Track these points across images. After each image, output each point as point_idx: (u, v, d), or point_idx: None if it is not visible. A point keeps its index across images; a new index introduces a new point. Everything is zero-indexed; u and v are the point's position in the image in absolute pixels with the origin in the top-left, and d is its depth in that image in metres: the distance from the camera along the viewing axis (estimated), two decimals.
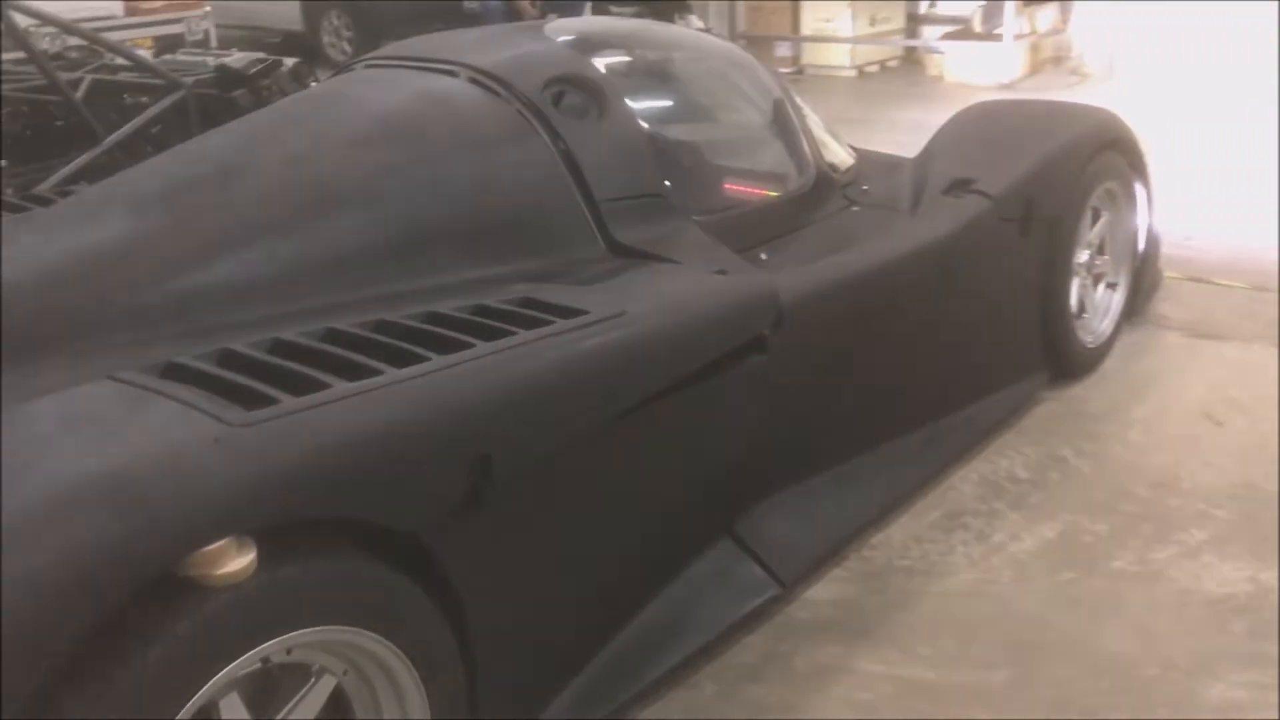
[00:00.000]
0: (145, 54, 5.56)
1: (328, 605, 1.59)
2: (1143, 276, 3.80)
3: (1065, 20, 9.38)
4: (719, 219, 2.80)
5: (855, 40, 9.33)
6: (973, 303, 3.07)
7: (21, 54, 5.46)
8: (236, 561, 1.47)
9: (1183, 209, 5.15)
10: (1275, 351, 3.70)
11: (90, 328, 1.97)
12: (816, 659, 2.35)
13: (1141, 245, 3.74)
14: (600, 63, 2.88)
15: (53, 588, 1.34)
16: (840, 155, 3.39)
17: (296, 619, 1.55)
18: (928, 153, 3.39)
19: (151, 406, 1.61)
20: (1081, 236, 3.42)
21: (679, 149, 2.99)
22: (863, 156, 3.52)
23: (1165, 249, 4.31)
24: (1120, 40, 8.46)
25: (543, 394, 1.89)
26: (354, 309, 2.06)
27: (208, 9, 8.32)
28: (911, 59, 9.71)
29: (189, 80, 4.73)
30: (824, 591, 2.57)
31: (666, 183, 2.72)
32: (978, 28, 8.92)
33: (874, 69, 9.59)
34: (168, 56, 5.47)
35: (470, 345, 1.88)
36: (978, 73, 8.64)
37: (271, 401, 1.61)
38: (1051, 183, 3.20)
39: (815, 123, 3.34)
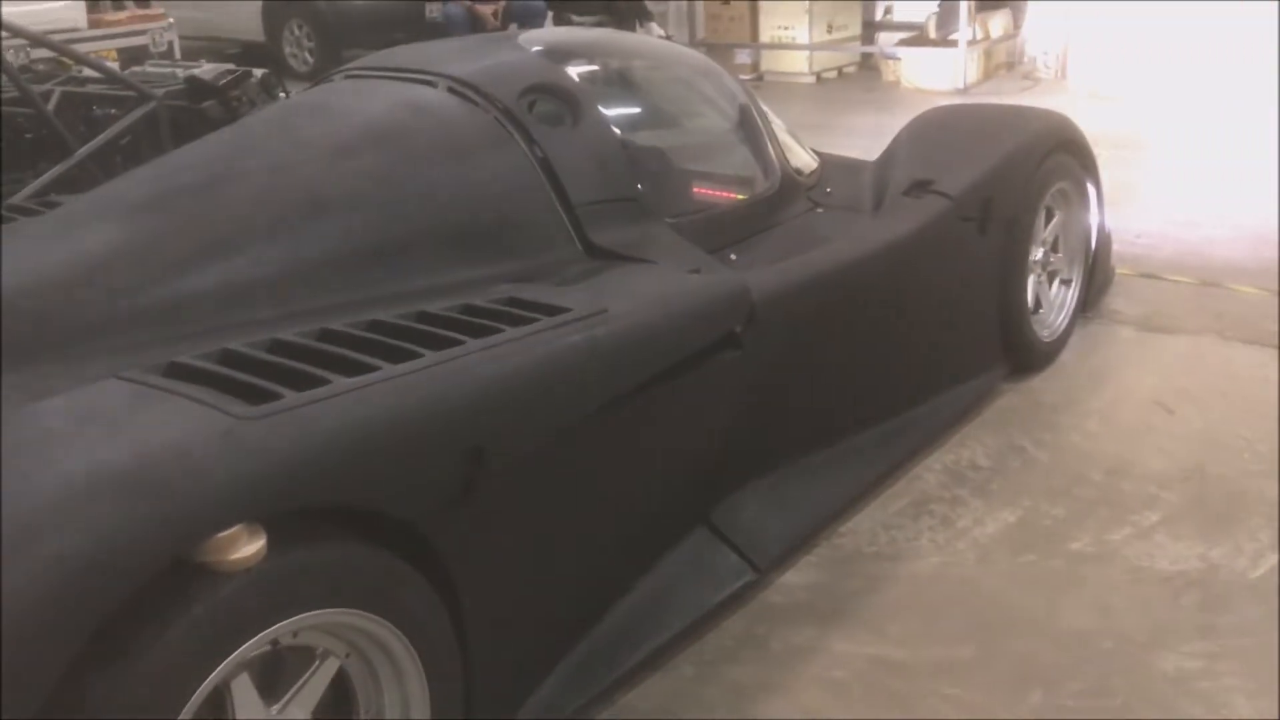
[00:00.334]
0: (113, 66, 5.58)
1: (332, 589, 1.67)
2: (1095, 273, 3.94)
3: (1018, 25, 9.60)
4: (690, 221, 2.90)
5: (813, 47, 9.49)
6: (934, 299, 3.20)
7: None
8: (248, 547, 1.54)
9: (1134, 206, 5.33)
10: (1222, 343, 3.86)
11: (90, 331, 2.04)
12: (791, 640, 2.45)
13: (1093, 243, 3.88)
14: (574, 72, 2.98)
15: (76, 573, 1.41)
16: (804, 159, 3.51)
17: (304, 602, 1.63)
18: (888, 156, 3.52)
19: (160, 402, 1.68)
20: (1036, 235, 3.56)
21: (651, 154, 3.09)
22: (826, 160, 3.64)
23: (1117, 246, 4.48)
24: (1072, 44, 8.67)
25: (531, 388, 1.98)
26: (345, 310, 2.14)
27: (171, 21, 8.33)
28: (868, 65, 9.89)
29: (159, 92, 4.77)
30: (797, 577, 2.67)
31: (640, 186, 2.82)
32: (932, 34, 9.10)
33: (832, 75, 9.76)
34: (136, 68, 5.49)
35: (460, 342, 1.96)
36: (933, 78, 8.82)
37: (275, 397, 1.69)
38: (1007, 183, 3.33)
39: (780, 128, 3.45)
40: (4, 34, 4.99)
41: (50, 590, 1.40)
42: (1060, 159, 3.57)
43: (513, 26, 8.60)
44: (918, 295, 3.11)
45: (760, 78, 9.71)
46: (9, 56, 5.32)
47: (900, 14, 10.12)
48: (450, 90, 2.73)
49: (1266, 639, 2.40)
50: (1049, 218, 3.67)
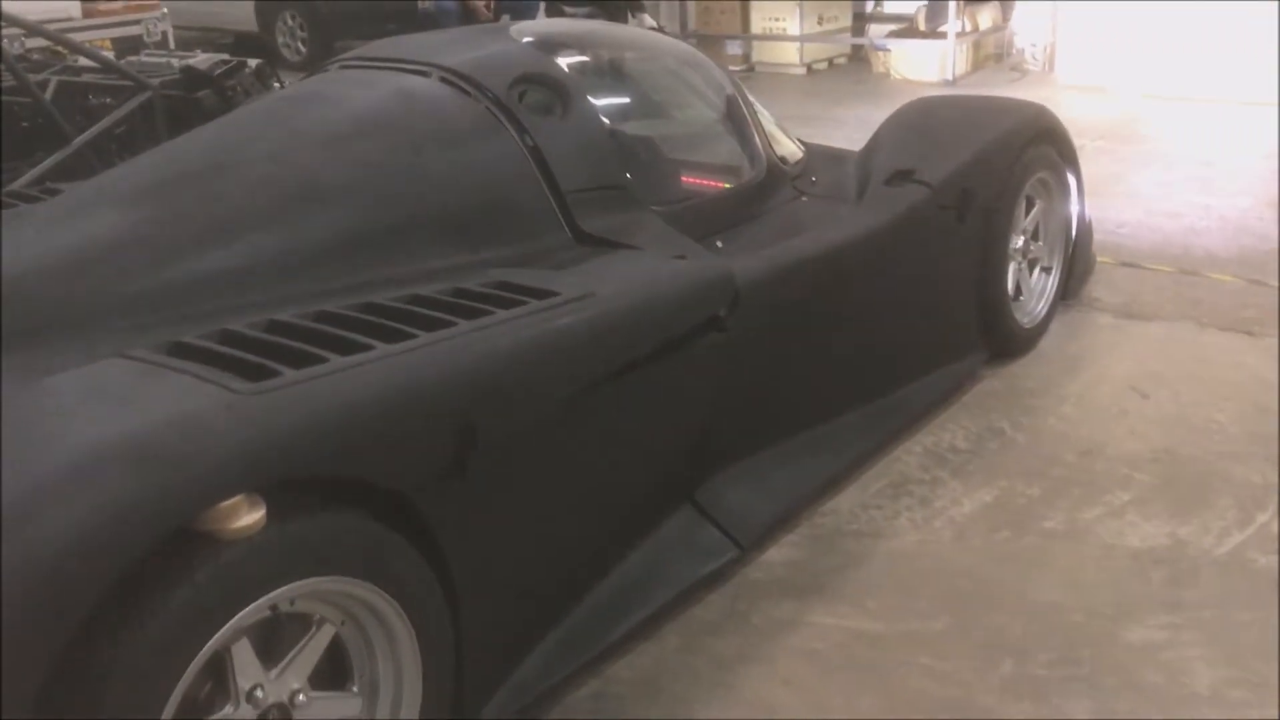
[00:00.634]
0: (108, 55, 5.63)
1: (328, 557, 1.74)
2: (1075, 261, 4.02)
3: (1006, 18, 9.67)
4: (677, 209, 2.98)
5: (803, 39, 9.56)
6: (915, 286, 3.28)
7: None
8: (248, 516, 1.62)
9: (1118, 196, 5.42)
10: (1198, 329, 3.95)
11: (95, 313, 2.11)
12: (772, 614, 2.54)
13: (1074, 232, 3.96)
14: (564, 62, 3.05)
15: (86, 539, 1.48)
16: (790, 148, 3.58)
17: (301, 569, 1.71)
18: (872, 146, 3.59)
19: (164, 379, 1.76)
20: (1016, 224, 3.64)
21: (639, 143, 3.17)
22: (811, 150, 3.72)
23: (1099, 236, 4.57)
24: (1060, 36, 8.74)
25: (520, 367, 2.06)
26: (342, 293, 2.21)
27: (164, 10, 8.36)
28: (858, 57, 9.96)
29: (155, 81, 4.83)
30: (778, 554, 2.75)
31: (628, 175, 2.90)
32: (922, 26, 9.18)
33: (822, 66, 9.83)
34: (131, 58, 5.55)
35: (452, 324, 2.04)
36: (922, 70, 8.90)
37: (274, 374, 1.76)
38: (987, 173, 3.41)
39: (766, 118, 3.53)
40: (1, 24, 5.05)
41: (60, 555, 1.46)
42: (1040, 149, 3.65)
43: (505, 18, 8.65)
44: (898, 282, 3.19)
45: (751, 69, 9.78)
46: (5, 46, 5.37)
47: (890, 6, 10.19)
48: (443, 80, 2.80)
49: (1229, 612, 2.49)
50: (1029, 207, 3.75)
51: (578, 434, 2.24)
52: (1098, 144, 6.62)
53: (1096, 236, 4.53)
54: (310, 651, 1.82)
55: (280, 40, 10.98)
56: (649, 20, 8.74)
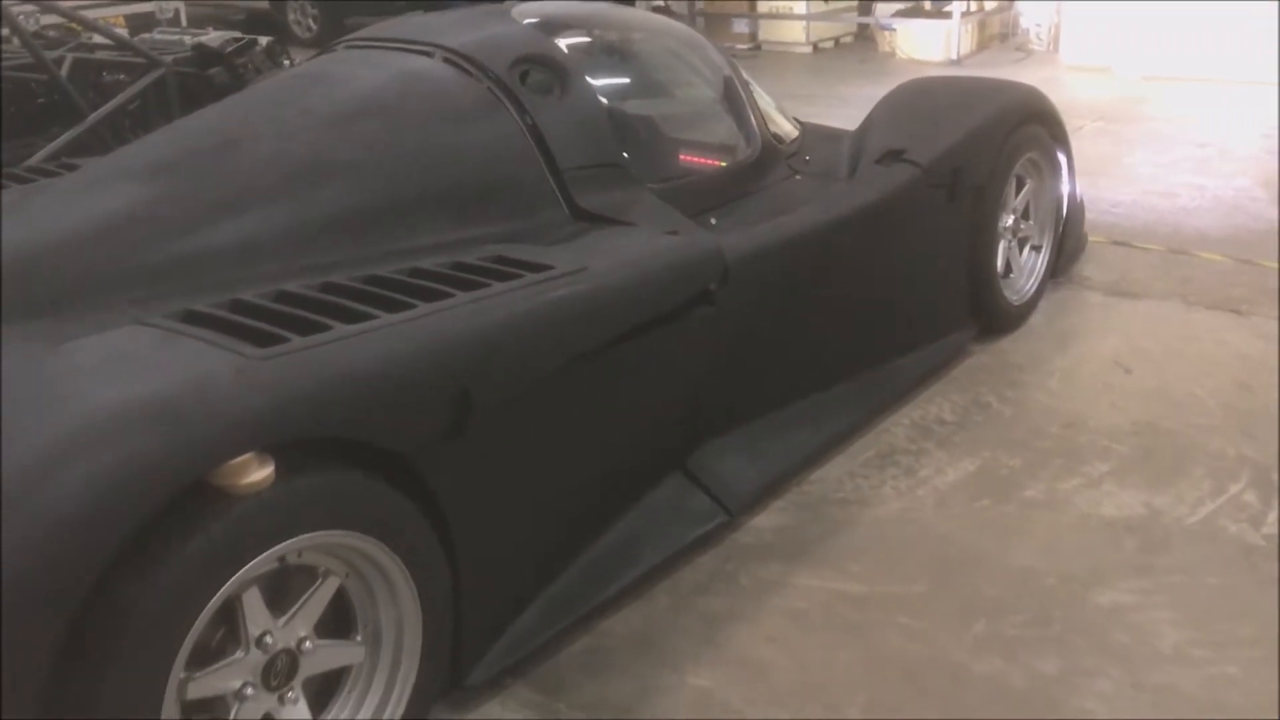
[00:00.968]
0: (122, 33, 5.73)
1: (333, 513, 1.86)
2: (1066, 240, 4.11)
3: None
4: (672, 186, 3.07)
5: (810, 18, 9.61)
6: (904, 262, 3.37)
7: None
8: (258, 473, 1.73)
9: (1113, 177, 5.50)
10: (1185, 307, 4.04)
11: (111, 284, 2.22)
12: (759, 576, 2.65)
13: (1064, 211, 4.04)
14: (563, 43, 3.14)
15: (107, 490, 1.59)
16: (785, 127, 3.67)
17: (308, 523, 1.82)
18: (866, 125, 3.68)
19: (179, 344, 1.87)
20: (1006, 203, 3.73)
21: (636, 122, 3.26)
22: (807, 129, 3.81)
23: (1092, 215, 4.66)
24: (1065, 16, 8.78)
25: (514, 337, 2.16)
26: (346, 266, 2.32)
27: None
28: (865, 35, 10.01)
29: (168, 59, 4.94)
30: (766, 520, 2.86)
31: (624, 153, 2.99)
32: (928, 5, 9.22)
33: (829, 45, 9.88)
34: (145, 35, 5.65)
35: (451, 295, 2.15)
36: (927, 49, 8.95)
37: (282, 340, 1.87)
38: (976, 153, 3.50)
39: (762, 98, 3.62)
40: (16, 0, 5.15)
41: (84, 505, 1.58)
42: (1030, 130, 3.73)
43: None
44: (887, 258, 3.28)
45: (758, 47, 9.84)
46: (21, 23, 5.47)
47: None
48: (445, 60, 2.89)
49: (1197, 577, 2.60)
50: (1020, 186, 3.83)
51: (571, 402, 2.34)
52: (1098, 124, 6.69)
53: (1090, 216, 4.62)
54: (316, 601, 1.93)
55: (291, 17, 11.07)
56: None
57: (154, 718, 1.68)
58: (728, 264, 2.68)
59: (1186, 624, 2.44)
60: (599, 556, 2.50)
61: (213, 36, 5.22)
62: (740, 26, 9.89)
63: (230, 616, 1.82)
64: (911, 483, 3.02)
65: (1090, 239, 4.54)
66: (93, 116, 4.67)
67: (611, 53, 3.45)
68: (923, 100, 3.75)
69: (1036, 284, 3.97)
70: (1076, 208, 4.17)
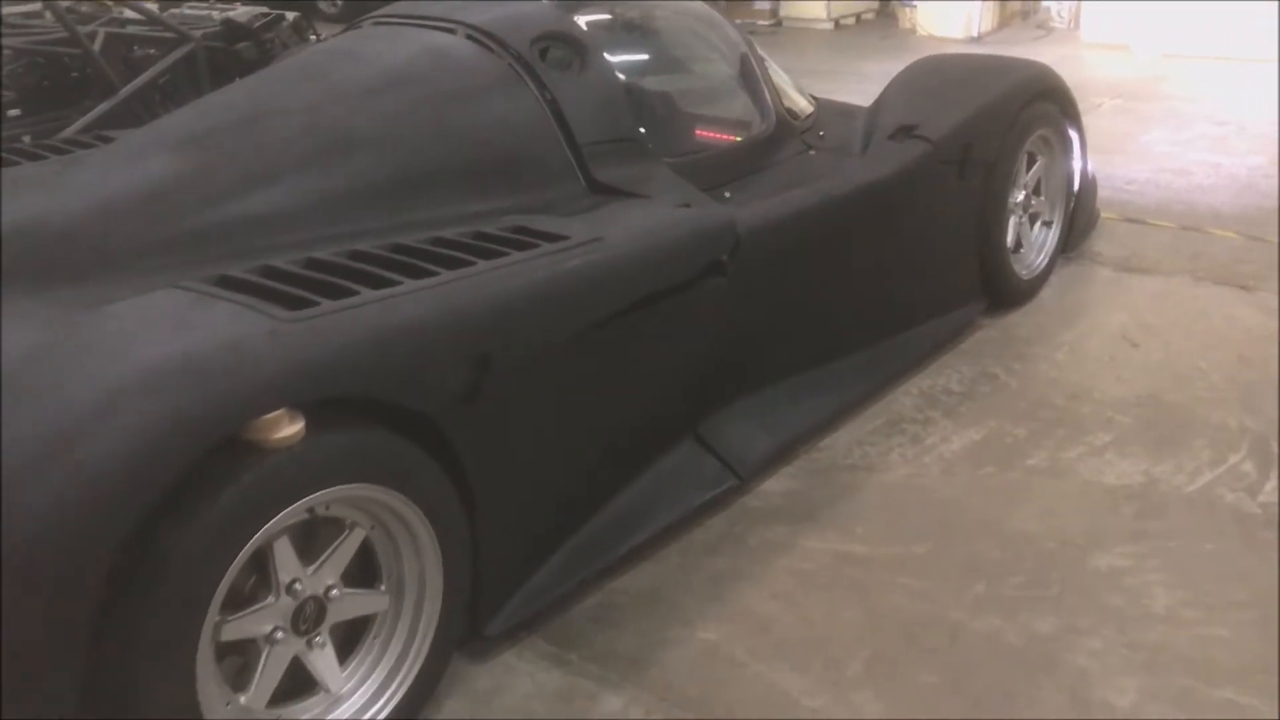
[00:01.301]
0: (152, 8, 5.83)
1: (360, 467, 1.96)
2: (1077, 216, 4.17)
3: None
4: (688, 161, 3.15)
5: None
6: (915, 236, 3.44)
7: (29, 7, 5.74)
8: (289, 428, 1.83)
9: (1128, 154, 5.53)
10: (1193, 283, 4.10)
11: (147, 250, 2.33)
12: (766, 537, 2.74)
13: (1075, 188, 4.10)
14: (582, 20, 3.22)
15: (147, 444, 1.69)
16: (800, 104, 3.74)
17: (335, 477, 1.92)
18: (879, 102, 3.74)
19: (215, 307, 1.97)
20: (1017, 179, 3.79)
21: (652, 98, 3.34)
22: (822, 105, 3.87)
23: (1106, 192, 4.71)
24: None
25: (532, 304, 2.25)
26: (372, 235, 2.41)
27: None
28: (886, 12, 10.02)
29: (197, 34, 5.04)
30: (775, 485, 2.96)
31: (641, 128, 3.07)
32: None
33: (850, 22, 9.90)
34: (174, 10, 5.75)
35: (471, 263, 2.24)
36: (948, 25, 8.96)
37: (312, 304, 1.97)
38: (987, 129, 3.56)
39: (778, 74, 3.69)
40: None
41: (126, 457, 1.68)
42: (1041, 107, 3.79)
43: None
44: (898, 232, 3.36)
45: (779, 23, 9.86)
46: None
47: None
48: (468, 37, 2.97)
49: (1192, 543, 2.68)
50: (1031, 163, 3.89)
51: (587, 367, 2.44)
52: (1116, 102, 6.72)
53: (1104, 193, 4.68)
54: (343, 552, 2.04)
55: None
56: None
57: (191, 658, 1.79)
58: (739, 236, 2.76)
59: (1179, 586, 2.52)
60: (612, 517, 2.59)
61: (240, 12, 5.32)
62: (762, 3, 9.92)
63: (262, 564, 1.93)
64: (918, 450, 3.10)
65: (1103, 215, 4.60)
66: (124, 90, 4.78)
67: (630, 30, 3.52)
68: (935, 77, 3.81)
69: (1046, 259, 4.03)
70: (1088, 184, 4.23)
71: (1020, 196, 3.86)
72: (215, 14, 5.37)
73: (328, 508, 1.98)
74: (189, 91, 5.08)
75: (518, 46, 2.95)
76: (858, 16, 9.93)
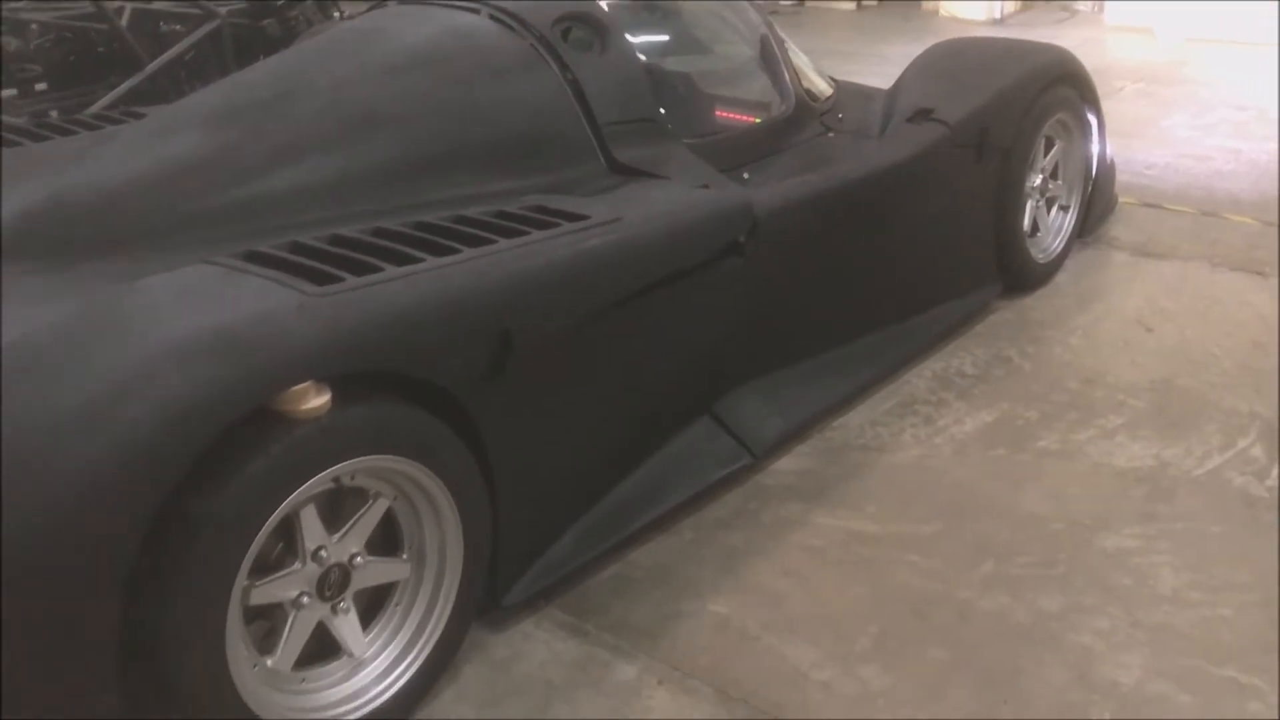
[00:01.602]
0: None
1: (384, 439, 2.01)
2: (1095, 201, 4.18)
3: None
4: (707, 142, 3.19)
5: None
6: (931, 219, 3.47)
7: None
8: (316, 400, 1.88)
9: (1148, 139, 5.53)
10: (1210, 269, 4.12)
11: (177, 226, 2.39)
12: (779, 514, 2.79)
13: (1093, 172, 4.12)
14: (603, 1, 3.25)
15: (180, 414, 1.74)
16: (820, 86, 3.76)
17: (360, 448, 1.97)
18: (898, 85, 3.77)
19: (244, 282, 2.02)
20: (1034, 163, 3.81)
21: (673, 79, 3.38)
22: (841, 87, 3.90)
23: (1125, 177, 4.72)
24: None
25: (552, 282, 2.30)
26: (396, 213, 2.47)
27: None
28: None
29: (223, 10, 5.09)
30: (789, 463, 3.00)
31: (661, 109, 3.11)
32: None
33: (872, 2, 9.86)
34: None
35: (493, 242, 2.29)
36: (971, 7, 8.92)
37: (338, 280, 2.02)
38: (1005, 113, 3.58)
39: (798, 56, 3.71)
40: None
41: (159, 426, 1.73)
42: (1060, 92, 3.80)
43: None
44: (914, 215, 3.39)
45: (802, 3, 9.84)
46: None
47: None
48: (491, 18, 3.01)
49: (1199, 525, 2.71)
50: (1049, 147, 3.91)
51: (605, 345, 2.49)
52: (1137, 86, 6.70)
53: (1123, 177, 4.69)
54: (367, 521, 2.10)
55: None
56: None
57: (221, 620, 1.85)
58: (757, 217, 2.80)
59: (1186, 568, 2.56)
60: (628, 492, 2.65)
61: None
62: None
63: (289, 531, 1.99)
64: (930, 431, 3.14)
65: (1121, 200, 4.61)
66: (151, 65, 4.85)
67: (651, 11, 3.55)
68: (954, 61, 3.83)
69: (1063, 243, 4.05)
70: (1106, 169, 4.24)
71: (1038, 181, 3.88)
72: None
73: (353, 478, 2.04)
74: (214, 67, 5.14)
75: (540, 27, 2.98)
76: None
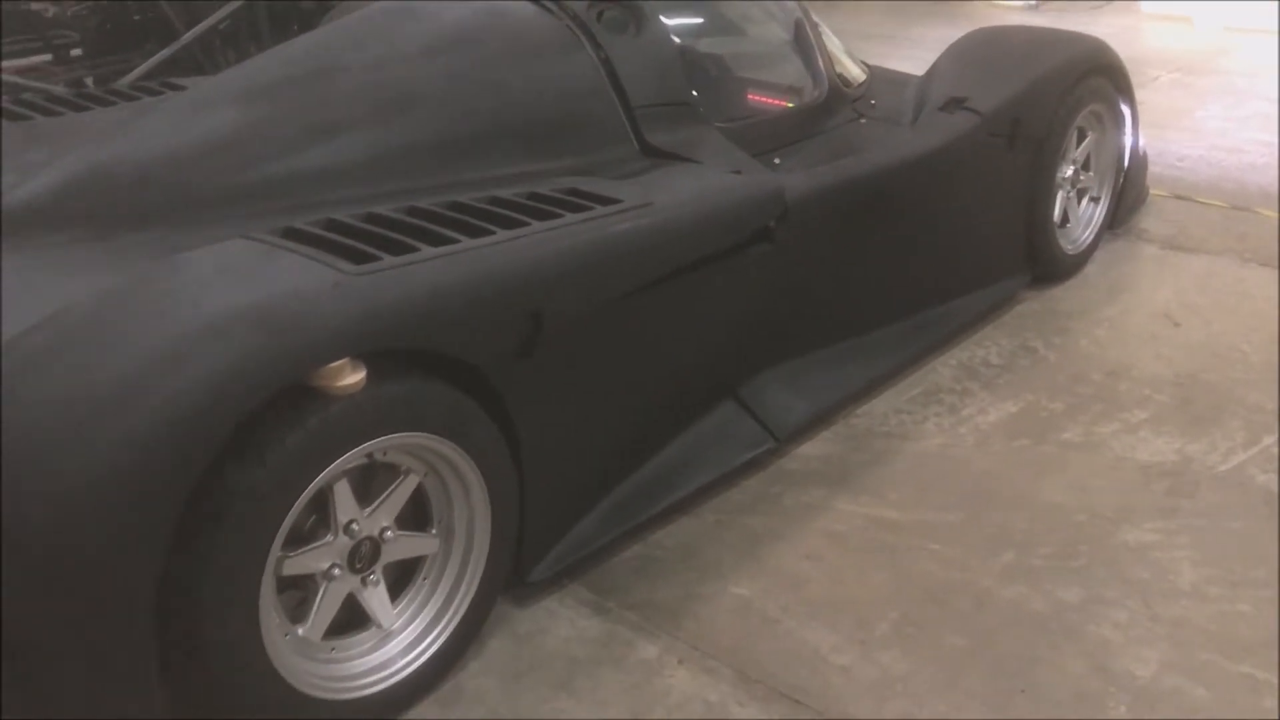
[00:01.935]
0: None
1: (416, 416, 2.05)
2: (1126, 192, 4.17)
3: None
4: (739, 126, 3.19)
5: None
6: (960, 208, 3.47)
7: None
8: (351, 377, 1.92)
9: (1182, 130, 5.49)
10: (1239, 263, 4.10)
11: (214, 200, 2.43)
12: (802, 499, 2.82)
13: (1125, 164, 4.10)
14: None
15: (219, 388, 1.78)
16: (854, 71, 3.76)
17: (393, 425, 2.01)
18: (932, 72, 3.76)
19: (282, 258, 2.05)
20: (1066, 154, 3.80)
21: (706, 62, 3.38)
22: (874, 73, 3.89)
23: (1157, 169, 4.69)
24: None
25: (583, 265, 2.32)
26: (429, 192, 2.49)
27: None
28: None
29: None
30: (812, 449, 3.03)
31: (694, 92, 3.12)
32: None
33: None
34: None
35: (526, 224, 2.31)
36: None
37: (374, 259, 2.05)
38: (1038, 104, 3.57)
39: (831, 40, 3.71)
40: None
41: (199, 399, 1.77)
42: (1094, 83, 3.79)
43: None
44: (944, 203, 3.39)
45: None
46: None
47: None
48: None
49: (1221, 521, 2.72)
50: (1081, 138, 3.90)
51: (633, 328, 2.51)
52: (1173, 76, 6.64)
53: (1155, 169, 4.67)
54: (398, 496, 2.14)
55: None
56: None
57: (255, 589, 1.90)
58: (788, 203, 2.81)
59: (1205, 563, 2.58)
60: (653, 473, 2.68)
61: None
62: None
63: (322, 505, 2.03)
64: (954, 420, 3.16)
65: (1152, 192, 4.59)
66: (186, 35, 4.87)
67: None
68: (988, 50, 3.82)
69: (1093, 235, 4.05)
70: (1138, 161, 4.22)
71: (1069, 172, 3.87)
72: None
73: (385, 454, 2.08)
74: (248, 38, 5.17)
75: (575, 8, 2.99)
76: None
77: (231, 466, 1.83)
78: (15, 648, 1.74)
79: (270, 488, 1.87)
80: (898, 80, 3.92)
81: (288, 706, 1.99)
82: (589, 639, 2.36)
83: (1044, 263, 3.86)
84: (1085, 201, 4.04)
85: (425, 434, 2.07)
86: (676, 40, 3.20)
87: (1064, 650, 2.33)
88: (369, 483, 2.12)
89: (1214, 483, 2.87)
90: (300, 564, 2.01)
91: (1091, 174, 4.01)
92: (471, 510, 2.22)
